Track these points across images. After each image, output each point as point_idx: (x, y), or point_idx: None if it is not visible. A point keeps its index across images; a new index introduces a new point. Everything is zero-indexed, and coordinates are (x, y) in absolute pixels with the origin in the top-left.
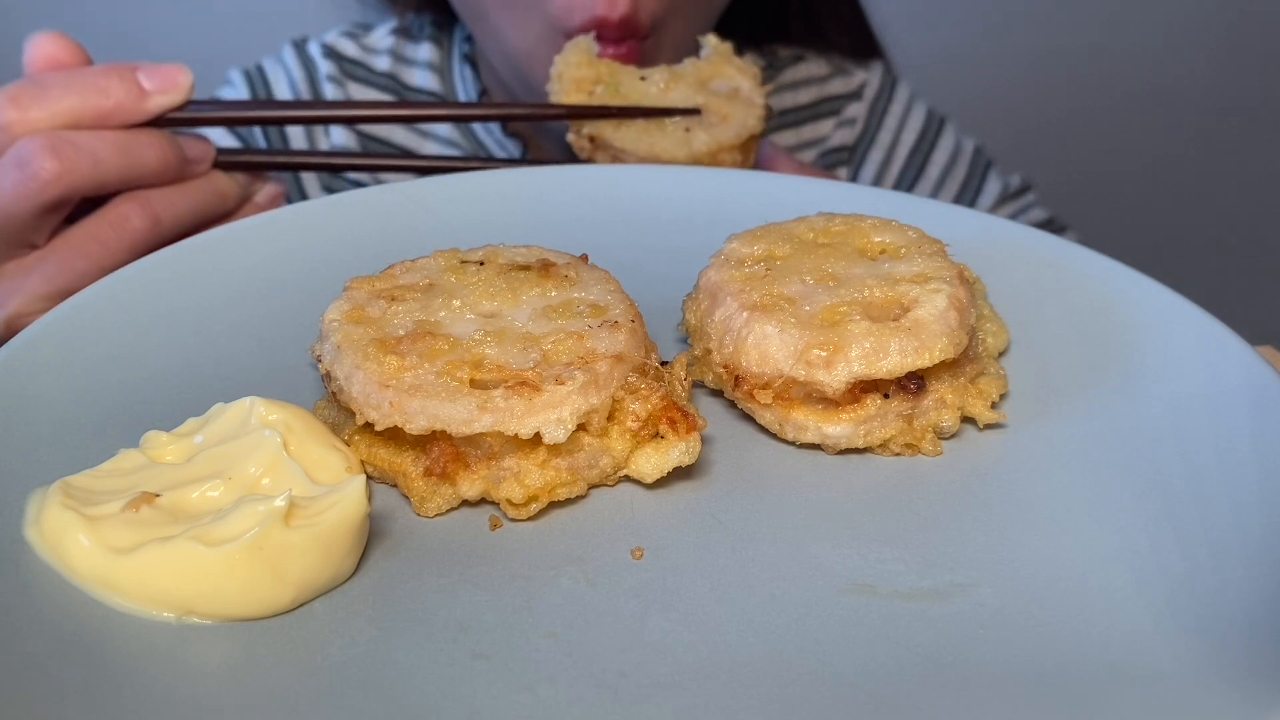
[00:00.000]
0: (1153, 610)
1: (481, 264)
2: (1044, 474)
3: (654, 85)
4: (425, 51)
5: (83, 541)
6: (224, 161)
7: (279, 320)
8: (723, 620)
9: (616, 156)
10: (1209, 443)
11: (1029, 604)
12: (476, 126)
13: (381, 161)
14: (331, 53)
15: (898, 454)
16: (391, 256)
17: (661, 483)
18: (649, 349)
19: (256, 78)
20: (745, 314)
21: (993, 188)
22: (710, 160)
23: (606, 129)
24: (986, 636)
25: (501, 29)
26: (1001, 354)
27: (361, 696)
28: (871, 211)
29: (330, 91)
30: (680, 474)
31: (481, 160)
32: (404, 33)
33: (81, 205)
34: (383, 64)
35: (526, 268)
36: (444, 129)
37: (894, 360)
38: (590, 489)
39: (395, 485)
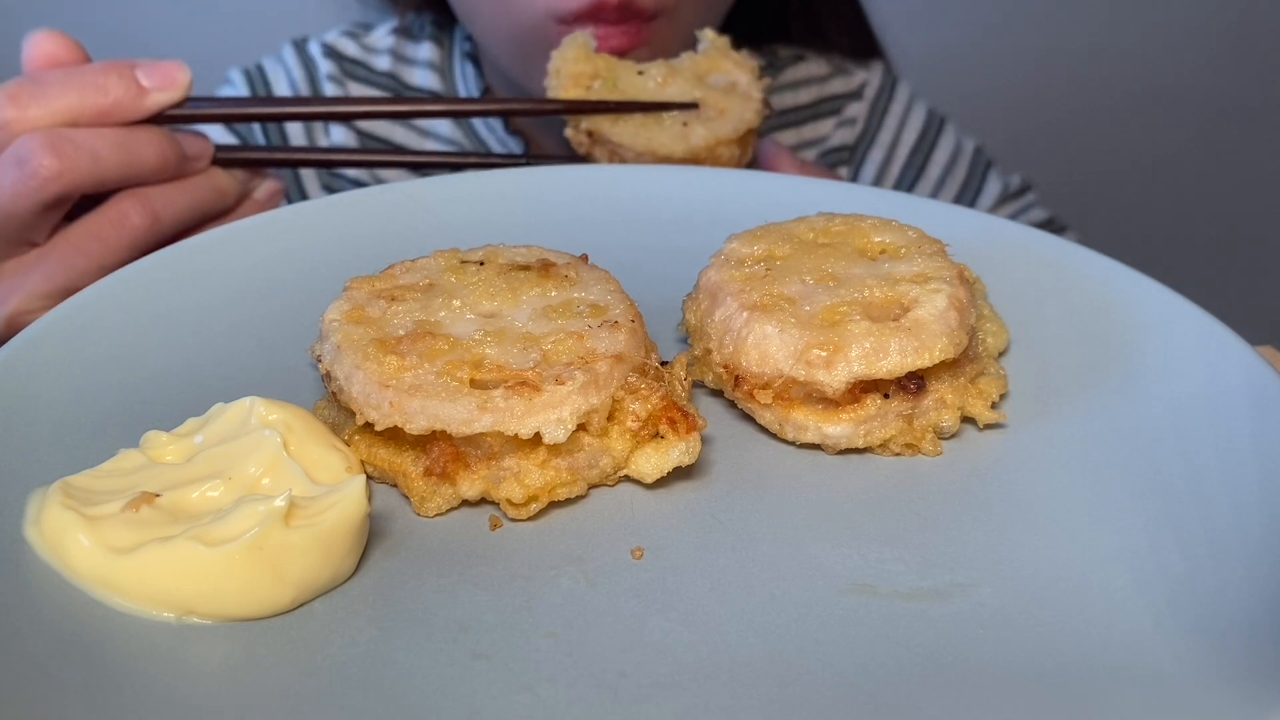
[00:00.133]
0: (1153, 610)
1: (481, 264)
2: (1044, 474)
3: (651, 80)
4: (426, 51)
5: (83, 541)
6: (223, 158)
7: (279, 320)
8: (723, 620)
9: (614, 151)
10: (1209, 443)
11: (1029, 604)
12: (478, 125)
13: (381, 157)
14: (332, 52)
15: (898, 454)
16: (391, 256)
17: (661, 483)
18: (649, 349)
19: (256, 77)
20: (745, 314)
21: (993, 188)
22: (708, 154)
23: (604, 124)
24: (986, 636)
25: (495, 21)
26: (1001, 354)
27: (361, 696)
28: (871, 211)
29: (331, 91)
30: (680, 474)
31: (480, 156)
32: (404, 32)
33: (81, 203)
34: (383, 63)
35: (526, 268)
36: (445, 128)
37: (894, 360)
38: (590, 489)
39: (395, 485)
